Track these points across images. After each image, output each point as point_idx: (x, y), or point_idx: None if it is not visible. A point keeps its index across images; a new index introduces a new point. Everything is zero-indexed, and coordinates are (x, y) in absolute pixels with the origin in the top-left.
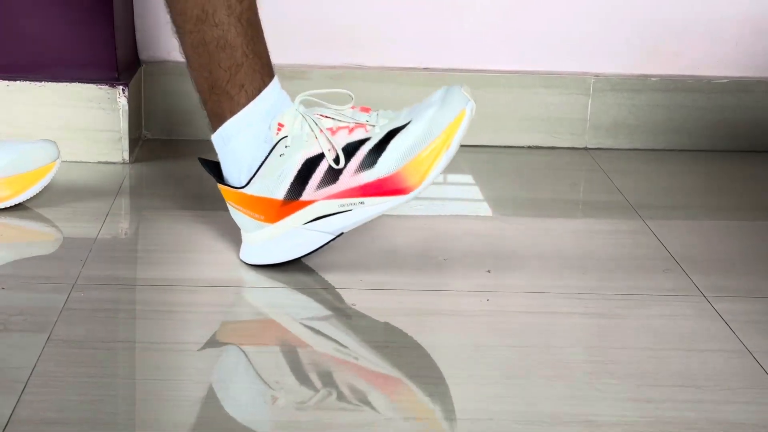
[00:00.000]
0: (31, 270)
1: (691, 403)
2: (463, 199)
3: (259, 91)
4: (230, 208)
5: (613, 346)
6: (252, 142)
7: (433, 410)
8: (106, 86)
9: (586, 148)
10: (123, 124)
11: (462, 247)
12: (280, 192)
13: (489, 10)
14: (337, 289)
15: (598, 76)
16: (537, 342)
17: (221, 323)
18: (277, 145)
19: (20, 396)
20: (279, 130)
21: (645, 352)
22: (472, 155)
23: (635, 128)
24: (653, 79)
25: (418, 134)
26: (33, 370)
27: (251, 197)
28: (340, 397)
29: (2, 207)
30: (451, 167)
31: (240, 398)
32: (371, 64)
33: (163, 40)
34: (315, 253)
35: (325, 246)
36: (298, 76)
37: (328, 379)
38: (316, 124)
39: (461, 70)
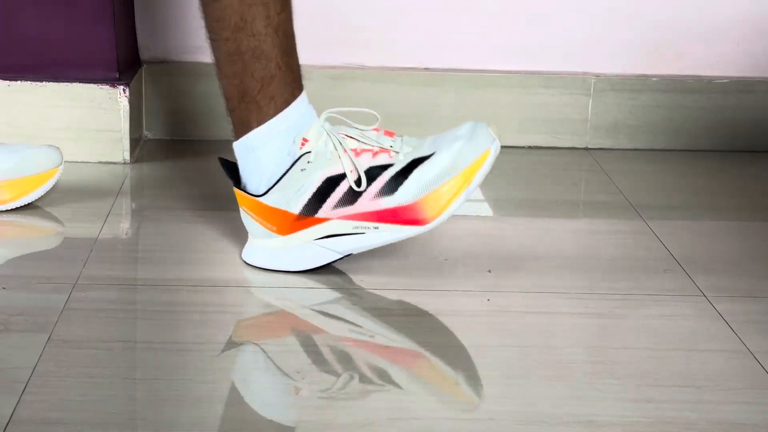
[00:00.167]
0: (32, 270)
1: (692, 404)
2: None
3: (288, 103)
4: (243, 213)
5: (613, 346)
6: (276, 153)
7: (455, 378)
8: (107, 86)
9: (586, 149)
10: (124, 124)
11: (462, 247)
12: (296, 206)
13: (490, 10)
14: (337, 290)
15: (598, 76)
16: (537, 342)
17: (235, 322)
18: (300, 160)
19: (21, 396)
20: (303, 144)
21: (645, 352)
22: None
23: (636, 128)
24: (654, 79)
25: (442, 167)
26: (34, 370)
27: (267, 207)
28: (363, 379)
29: (3, 209)
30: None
31: (263, 394)
32: (372, 64)
33: (164, 40)
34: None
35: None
36: None
37: (348, 364)
38: (341, 144)
39: (462, 70)
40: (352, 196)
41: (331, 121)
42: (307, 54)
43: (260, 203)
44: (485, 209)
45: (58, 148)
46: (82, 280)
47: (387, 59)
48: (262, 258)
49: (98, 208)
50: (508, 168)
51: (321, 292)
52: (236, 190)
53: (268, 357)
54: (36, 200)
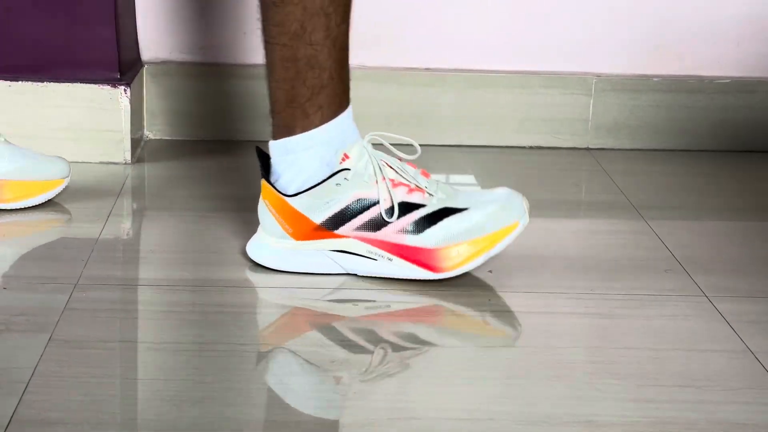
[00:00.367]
0: (33, 270)
1: (692, 404)
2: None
3: (335, 115)
4: (263, 207)
5: (614, 346)
6: (315, 161)
7: (482, 319)
8: (108, 86)
9: (587, 149)
10: (125, 125)
11: None
12: (320, 217)
13: (491, 10)
14: (338, 290)
15: (599, 76)
16: (538, 342)
17: (244, 323)
18: (337, 174)
19: (22, 396)
20: (344, 160)
21: (646, 352)
22: (474, 155)
23: (637, 128)
24: (655, 79)
25: (472, 225)
26: (35, 370)
27: (291, 209)
28: (396, 348)
29: (2, 207)
30: (453, 167)
31: (305, 392)
32: (372, 64)
33: (165, 41)
34: None
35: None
36: None
37: (375, 339)
38: (381, 171)
39: (463, 71)
40: (377, 224)
41: (374, 143)
42: None
43: (286, 203)
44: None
45: (68, 162)
46: (83, 281)
47: (388, 59)
48: (268, 257)
49: (99, 209)
50: (510, 168)
51: (320, 294)
52: (264, 183)
53: (297, 354)
54: (39, 203)
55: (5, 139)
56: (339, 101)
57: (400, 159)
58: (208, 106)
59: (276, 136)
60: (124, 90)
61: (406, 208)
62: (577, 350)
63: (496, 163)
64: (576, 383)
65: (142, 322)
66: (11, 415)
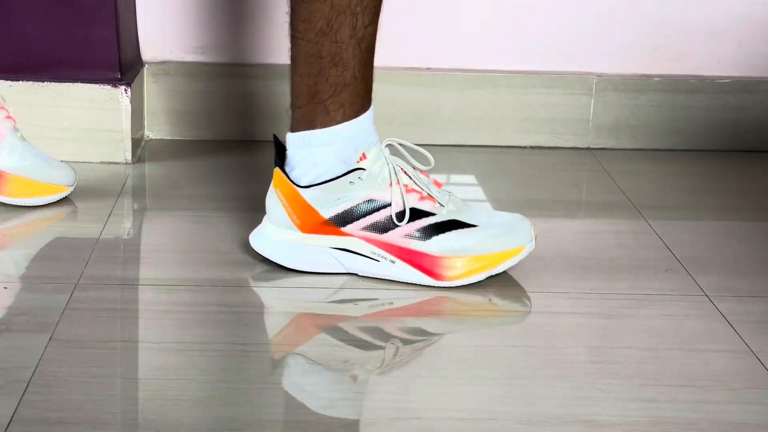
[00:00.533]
0: (34, 270)
1: (693, 404)
2: (465, 200)
3: (357, 114)
4: (272, 196)
5: (615, 346)
6: (332, 157)
7: (485, 301)
8: (109, 86)
9: (588, 149)
10: (126, 125)
11: None
12: (329, 212)
13: (492, 10)
14: (338, 289)
15: (600, 76)
16: (539, 342)
17: (246, 323)
18: (352, 173)
19: (22, 396)
20: (361, 159)
21: (647, 352)
22: (475, 155)
23: (637, 128)
24: (656, 79)
25: (478, 241)
26: (35, 369)
27: (302, 200)
28: (406, 342)
29: (2, 200)
30: (454, 167)
31: (321, 394)
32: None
33: (165, 40)
34: None
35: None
36: None
37: (384, 336)
38: (396, 175)
39: (464, 70)
40: (385, 227)
41: (390, 149)
42: None
43: (298, 194)
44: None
45: (75, 172)
46: (83, 280)
47: (388, 59)
48: (271, 249)
49: (100, 208)
50: (510, 168)
51: (321, 294)
52: (278, 171)
53: (303, 355)
54: (39, 204)
55: (22, 136)
56: (361, 101)
57: (414, 167)
58: (208, 106)
59: (295, 129)
60: (125, 90)
61: (416, 214)
62: (578, 350)
63: (496, 162)
64: (577, 383)
65: (143, 321)
66: (12, 414)
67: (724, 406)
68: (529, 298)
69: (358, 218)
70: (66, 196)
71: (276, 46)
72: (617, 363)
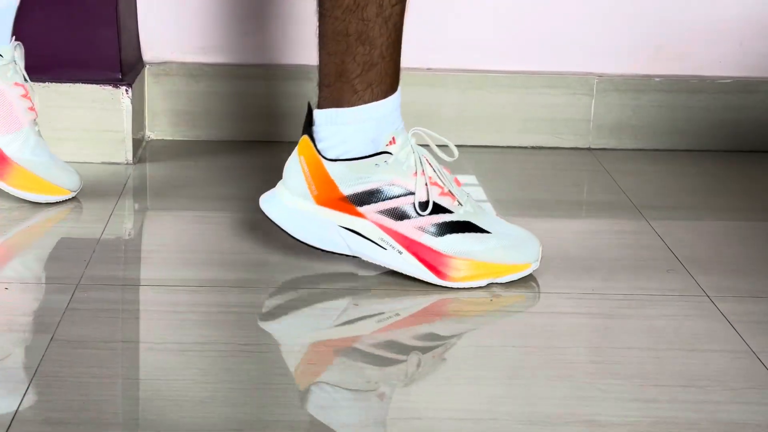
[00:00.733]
0: (35, 270)
1: (694, 404)
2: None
3: (386, 95)
4: (294, 162)
5: (615, 347)
6: (360, 135)
7: (490, 296)
8: (110, 87)
9: (589, 149)
10: (126, 125)
11: None
12: (349, 189)
13: (492, 10)
14: (339, 290)
15: (601, 76)
16: (539, 342)
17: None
18: (379, 155)
19: (23, 396)
20: (390, 143)
21: (648, 352)
22: (476, 156)
23: (639, 128)
24: (657, 79)
25: (489, 248)
26: (36, 370)
27: (325, 173)
28: (424, 350)
29: (2, 188)
30: (455, 168)
31: (350, 417)
32: None
33: (166, 40)
34: (317, 252)
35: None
36: (302, 76)
37: (401, 347)
38: (422, 165)
39: (465, 71)
40: (401, 214)
41: (417, 138)
42: (310, 54)
43: (322, 165)
44: (488, 210)
45: (81, 179)
46: (84, 281)
47: None
48: (281, 214)
49: (101, 209)
50: (511, 168)
51: (322, 294)
52: (306, 139)
53: (326, 383)
54: (37, 201)
55: (39, 131)
56: (390, 81)
57: (439, 162)
58: (209, 107)
59: (322, 106)
60: (126, 90)
61: (434, 209)
62: (578, 350)
63: (497, 163)
64: (578, 383)
65: (144, 322)
66: (13, 415)
67: (725, 406)
68: (529, 298)
69: (376, 201)
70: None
71: (277, 47)
72: (618, 363)
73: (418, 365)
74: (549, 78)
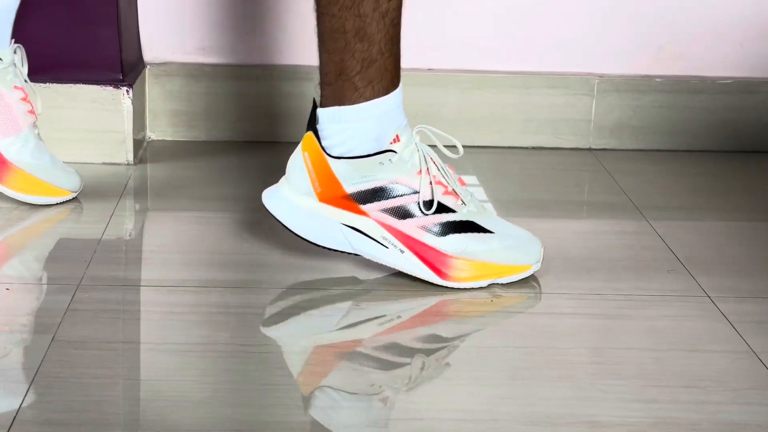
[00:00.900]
0: (36, 271)
1: (695, 404)
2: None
3: (387, 91)
4: (298, 158)
5: (616, 347)
6: (363, 133)
7: (491, 297)
8: (111, 87)
9: (590, 149)
10: (127, 126)
11: None
12: (352, 187)
13: (493, 10)
14: (340, 291)
15: (602, 76)
16: (540, 343)
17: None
18: (383, 153)
19: (24, 397)
20: (394, 141)
21: (649, 352)
22: (477, 156)
23: (639, 129)
24: (657, 79)
25: (490, 249)
26: (37, 370)
27: (329, 170)
28: (428, 352)
29: (3, 191)
30: (456, 168)
31: (352, 419)
32: None
33: (167, 41)
34: (321, 251)
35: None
36: (302, 76)
37: (404, 350)
38: (426, 164)
39: (465, 71)
40: (404, 213)
41: (420, 136)
42: (310, 55)
43: (326, 162)
44: (489, 210)
45: (81, 180)
46: (85, 281)
47: None
48: (283, 211)
49: (102, 209)
50: (512, 169)
51: (322, 294)
52: (311, 135)
53: (329, 387)
54: (38, 203)
55: (39, 134)
56: (390, 77)
57: (443, 160)
58: (210, 107)
59: (324, 105)
60: (127, 91)
61: (438, 208)
62: (579, 351)
63: (498, 163)
64: (578, 384)
65: (145, 322)
66: (14, 416)
67: (726, 406)
68: (530, 299)
69: (379, 199)
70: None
71: (277, 48)
72: (619, 363)
73: (422, 368)
74: (550, 78)
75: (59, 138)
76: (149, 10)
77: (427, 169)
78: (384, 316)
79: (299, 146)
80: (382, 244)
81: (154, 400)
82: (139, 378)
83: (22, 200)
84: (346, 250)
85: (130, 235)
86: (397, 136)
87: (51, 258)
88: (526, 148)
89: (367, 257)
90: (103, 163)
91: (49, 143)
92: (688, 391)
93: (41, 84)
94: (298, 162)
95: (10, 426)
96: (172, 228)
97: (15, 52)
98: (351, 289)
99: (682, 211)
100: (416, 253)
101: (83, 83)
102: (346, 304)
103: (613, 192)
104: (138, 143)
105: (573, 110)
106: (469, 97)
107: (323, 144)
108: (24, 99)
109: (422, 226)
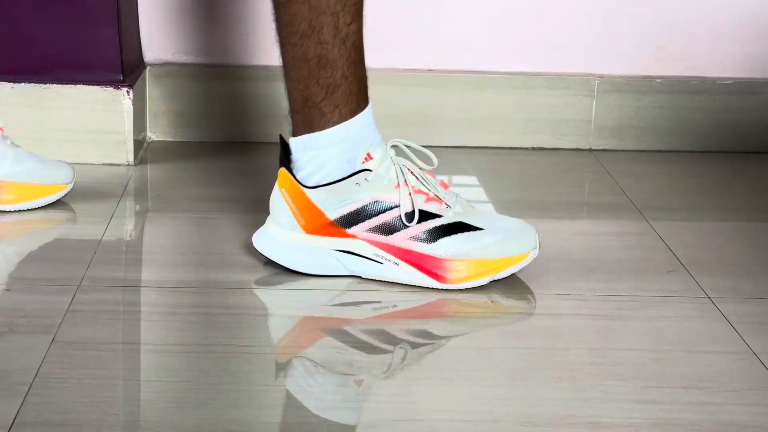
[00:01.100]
0: (36, 271)
1: (696, 405)
2: (467, 201)
3: (354, 113)
4: (278, 196)
5: (617, 348)
6: (335, 158)
7: (488, 300)
8: (111, 88)
9: (590, 150)
10: (128, 126)
11: None
12: (334, 213)
13: (493, 11)
14: (340, 291)
15: (602, 77)
16: (541, 343)
17: (248, 325)
18: (358, 174)
19: (24, 398)
20: (366, 160)
21: (649, 353)
22: (477, 157)
23: (640, 129)
24: (658, 80)
25: (485, 245)
26: (37, 371)
27: (308, 201)
28: (414, 345)
29: (3, 209)
30: (456, 168)
31: (325, 396)
32: (374, 65)
33: (167, 42)
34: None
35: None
36: None
37: (391, 339)
38: (404, 176)
39: (466, 72)
40: (390, 228)
41: (395, 149)
42: None
43: (303, 194)
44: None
45: (72, 168)
46: (86, 282)
47: (390, 61)
48: (274, 250)
49: (102, 210)
50: (512, 169)
51: (322, 295)
52: (284, 171)
53: (309, 360)
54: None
55: (12, 142)
56: (356, 100)
57: (420, 168)
58: (210, 108)
59: (296, 133)
60: (127, 92)
61: (422, 216)
62: (580, 351)
63: (498, 164)
64: (579, 384)
65: (145, 323)
66: (14, 417)
67: (726, 407)
68: (530, 300)
69: (363, 220)
70: (69, 198)
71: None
72: (619, 364)
73: (403, 359)
74: (550, 79)
75: (59, 138)
76: (150, 11)
77: (405, 180)
78: (380, 302)
79: (276, 184)
80: (376, 261)
81: (155, 400)
82: (138, 379)
83: (23, 209)
84: (343, 274)
85: (130, 236)
86: (368, 154)
87: (51, 259)
88: (526, 148)
89: (365, 276)
90: (104, 164)
91: (49, 143)
92: (688, 392)
93: (41, 84)
94: (278, 199)
95: (10, 427)
96: (172, 229)
97: None
98: (352, 289)
99: (683, 212)
100: (411, 263)
101: (83, 84)
102: (346, 302)
103: (613, 192)
104: (138, 144)
105: (573, 111)
106: (470, 97)
107: (299, 176)
108: None
109: (411, 237)
